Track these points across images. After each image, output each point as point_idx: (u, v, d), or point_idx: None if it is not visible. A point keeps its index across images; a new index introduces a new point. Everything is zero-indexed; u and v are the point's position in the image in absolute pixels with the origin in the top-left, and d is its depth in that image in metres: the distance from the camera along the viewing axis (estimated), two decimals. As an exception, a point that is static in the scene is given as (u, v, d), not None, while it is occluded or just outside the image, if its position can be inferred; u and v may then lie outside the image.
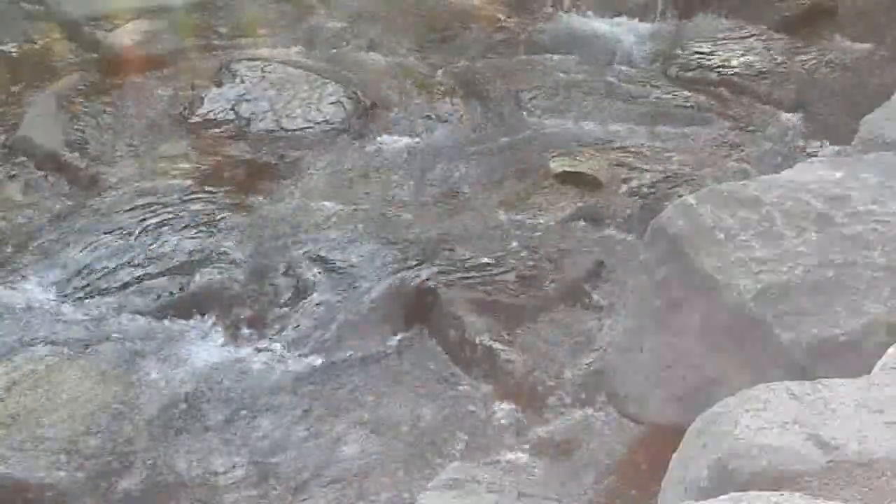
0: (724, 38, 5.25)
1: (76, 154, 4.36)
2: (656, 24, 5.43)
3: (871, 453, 1.68)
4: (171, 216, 3.97)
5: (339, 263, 3.67)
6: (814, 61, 5.01)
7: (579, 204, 4.01)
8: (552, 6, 5.57)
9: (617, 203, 4.01)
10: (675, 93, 4.84)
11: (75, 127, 4.52)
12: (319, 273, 3.64)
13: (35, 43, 5.21)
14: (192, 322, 3.54)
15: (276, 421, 3.16)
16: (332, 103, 4.66)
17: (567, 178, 4.15)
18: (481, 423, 3.13)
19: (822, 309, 2.29)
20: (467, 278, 3.60)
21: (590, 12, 5.51)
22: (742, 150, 4.38)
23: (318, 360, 3.37)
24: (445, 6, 5.54)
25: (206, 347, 3.44)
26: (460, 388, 3.27)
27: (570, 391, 3.17)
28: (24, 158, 4.36)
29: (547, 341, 3.35)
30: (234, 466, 3.02)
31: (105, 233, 3.92)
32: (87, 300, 3.62)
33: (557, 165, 4.22)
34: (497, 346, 3.32)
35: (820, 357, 2.23)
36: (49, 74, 4.94)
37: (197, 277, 3.67)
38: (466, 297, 3.51)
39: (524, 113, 4.71)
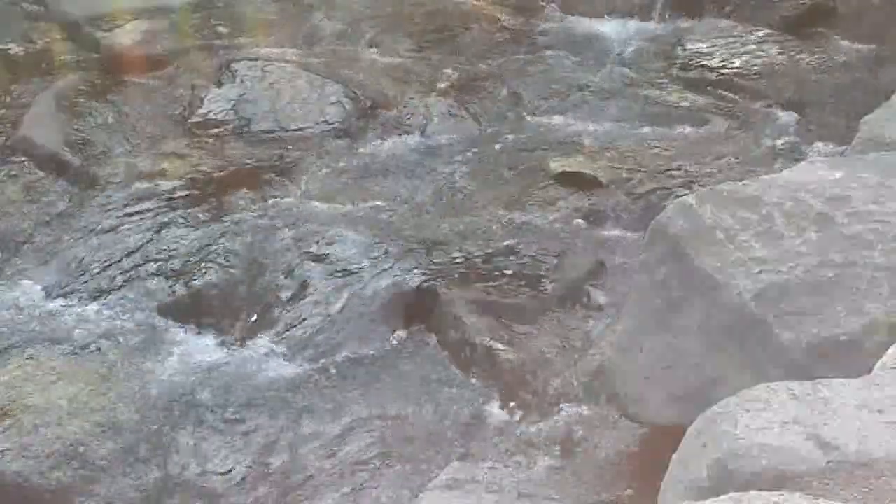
0: (724, 38, 5.24)
1: (76, 154, 4.36)
2: (656, 24, 5.43)
3: (870, 453, 1.68)
4: (170, 216, 3.97)
5: (338, 263, 3.67)
6: (814, 61, 5.01)
7: (579, 204, 4.01)
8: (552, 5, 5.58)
9: (617, 203, 4.01)
10: (675, 93, 4.84)
11: (75, 127, 4.52)
12: (319, 273, 3.64)
13: (35, 43, 5.21)
14: (191, 322, 3.54)
15: (276, 421, 3.16)
16: (332, 103, 4.66)
17: (567, 178, 4.15)
18: (481, 422, 3.12)
19: (822, 309, 2.29)
20: (467, 278, 3.60)
21: (589, 12, 5.51)
22: (742, 150, 4.37)
23: (317, 360, 3.37)
24: (445, 6, 5.54)
25: (205, 347, 3.44)
26: (460, 387, 3.27)
27: (570, 391, 3.17)
28: (24, 158, 4.36)
29: (547, 341, 3.35)
30: (232, 466, 3.02)
31: (104, 233, 3.92)
32: (86, 300, 3.62)
33: (557, 165, 4.22)
34: (497, 346, 3.32)
35: (820, 357, 2.23)
36: (49, 74, 4.94)
37: (196, 277, 3.67)
38: (466, 297, 3.51)
39: (524, 113, 4.71)
